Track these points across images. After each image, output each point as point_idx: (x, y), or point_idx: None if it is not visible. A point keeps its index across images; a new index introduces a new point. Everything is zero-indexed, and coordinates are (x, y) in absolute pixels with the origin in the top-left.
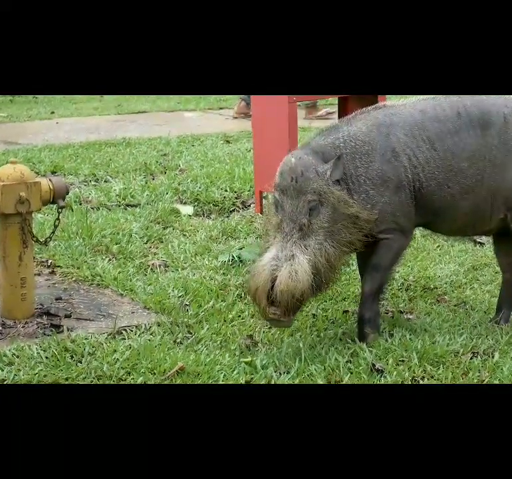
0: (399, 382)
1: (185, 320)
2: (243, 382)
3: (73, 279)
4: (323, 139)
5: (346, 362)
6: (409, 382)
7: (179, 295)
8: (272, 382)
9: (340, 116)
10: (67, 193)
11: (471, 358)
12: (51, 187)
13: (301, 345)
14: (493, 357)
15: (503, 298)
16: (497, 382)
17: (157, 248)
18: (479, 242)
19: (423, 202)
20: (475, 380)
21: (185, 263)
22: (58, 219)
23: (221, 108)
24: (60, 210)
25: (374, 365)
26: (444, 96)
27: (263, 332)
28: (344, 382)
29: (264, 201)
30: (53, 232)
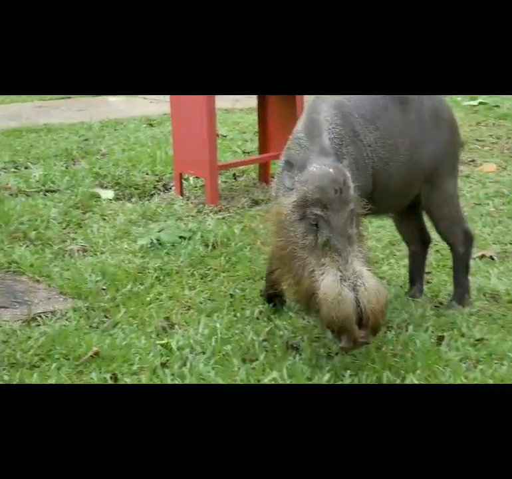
0: (314, 359)
1: (102, 304)
2: (158, 364)
3: None
4: (325, 139)
5: (262, 340)
6: (324, 357)
7: (97, 279)
8: (188, 364)
9: (259, 114)
10: None
11: (385, 332)
12: None
13: (218, 325)
14: (406, 331)
15: (413, 271)
16: (409, 354)
17: (75, 233)
18: None
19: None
20: (388, 353)
21: (103, 247)
22: None
23: None
24: None
25: (288, 342)
26: None
27: (180, 314)
28: (259, 361)
29: (184, 183)
30: None
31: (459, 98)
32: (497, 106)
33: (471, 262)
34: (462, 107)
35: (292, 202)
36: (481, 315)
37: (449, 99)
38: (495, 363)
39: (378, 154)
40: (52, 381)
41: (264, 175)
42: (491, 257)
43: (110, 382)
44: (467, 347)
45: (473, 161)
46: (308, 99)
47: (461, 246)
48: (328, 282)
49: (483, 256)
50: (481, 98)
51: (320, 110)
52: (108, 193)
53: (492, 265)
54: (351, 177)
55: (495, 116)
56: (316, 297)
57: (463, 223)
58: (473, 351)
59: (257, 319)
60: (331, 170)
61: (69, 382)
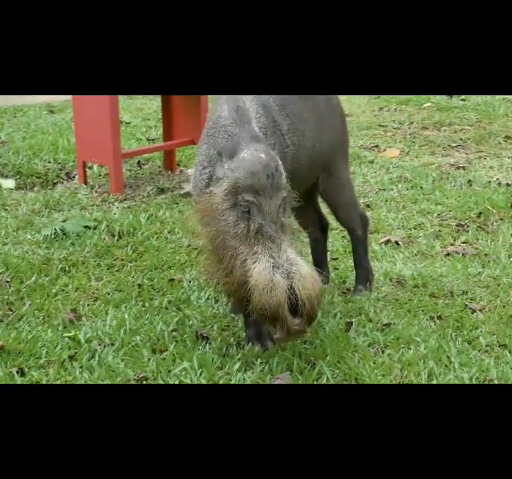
0: (224, 347)
1: (6, 297)
2: (66, 357)
3: None
4: (254, 126)
5: (172, 330)
6: (234, 346)
7: (0, 271)
8: (96, 356)
9: (163, 100)
10: None
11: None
12: None
13: (126, 316)
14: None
15: (317, 258)
16: (318, 341)
17: None
18: None
19: None
20: (298, 341)
21: (6, 238)
22: None
23: None
24: None
25: (198, 332)
26: None
27: (87, 305)
28: (169, 351)
29: (88, 171)
30: None
31: None
32: None
33: (377, 247)
34: None
35: (223, 190)
36: (387, 300)
37: None
38: (402, 347)
39: (292, 141)
40: None
41: (170, 162)
42: (397, 242)
43: (16, 376)
44: (375, 332)
45: (376, 146)
46: None
47: (360, 229)
48: (259, 269)
49: (388, 241)
50: None
51: (244, 98)
52: (8, 183)
53: (397, 250)
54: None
55: (397, 102)
56: (248, 286)
57: (358, 207)
58: (381, 336)
59: (166, 308)
60: (263, 155)
61: None
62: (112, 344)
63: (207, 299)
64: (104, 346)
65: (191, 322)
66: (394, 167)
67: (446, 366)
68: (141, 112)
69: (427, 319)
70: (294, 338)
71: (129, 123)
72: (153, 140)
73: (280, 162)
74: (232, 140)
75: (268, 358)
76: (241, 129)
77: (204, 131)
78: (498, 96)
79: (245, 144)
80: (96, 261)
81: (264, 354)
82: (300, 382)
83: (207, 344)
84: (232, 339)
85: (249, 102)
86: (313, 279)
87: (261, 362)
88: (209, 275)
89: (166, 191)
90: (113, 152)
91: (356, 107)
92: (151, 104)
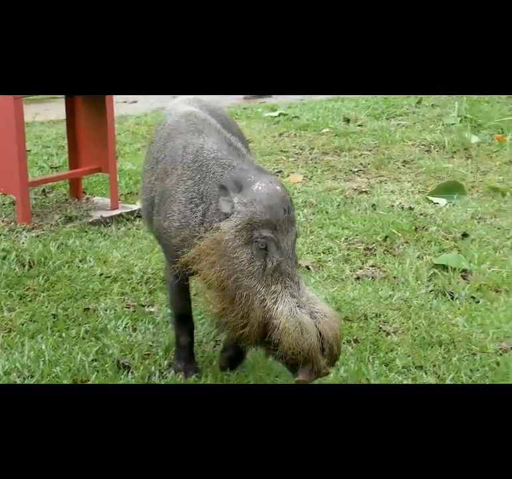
0: (147, 376)
1: None
2: None
3: None
4: (249, 157)
5: (92, 360)
6: (157, 376)
7: None
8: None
9: (69, 140)
10: None
11: (215, 346)
12: None
13: (44, 347)
14: None
15: None
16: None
17: None
18: None
19: None
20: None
21: None
22: None
23: None
24: None
25: (119, 361)
26: None
27: (2, 336)
28: (90, 382)
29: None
30: None
31: (260, 109)
32: (297, 117)
33: None
34: (264, 118)
35: (234, 226)
36: None
37: (250, 111)
38: None
39: None
40: None
41: (76, 190)
42: (307, 267)
43: None
44: None
45: (280, 172)
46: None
47: None
48: (285, 310)
49: (299, 266)
50: (281, 110)
51: (215, 129)
52: None
53: (308, 275)
54: None
55: (295, 127)
56: (271, 329)
57: None
58: None
59: (84, 338)
60: (279, 188)
61: None
62: (32, 376)
63: (125, 327)
64: (24, 379)
65: (110, 351)
66: (299, 193)
67: None
68: (40, 139)
69: (344, 343)
70: (315, 379)
71: (29, 151)
72: (56, 167)
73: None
74: (230, 172)
75: None
76: (240, 160)
77: (178, 167)
78: (393, 122)
79: (253, 176)
80: (7, 291)
81: (188, 382)
82: None
83: (129, 374)
84: (153, 367)
85: (222, 132)
86: (336, 318)
87: None
88: (217, 318)
89: (74, 220)
90: (20, 181)
91: (257, 133)
92: (50, 131)
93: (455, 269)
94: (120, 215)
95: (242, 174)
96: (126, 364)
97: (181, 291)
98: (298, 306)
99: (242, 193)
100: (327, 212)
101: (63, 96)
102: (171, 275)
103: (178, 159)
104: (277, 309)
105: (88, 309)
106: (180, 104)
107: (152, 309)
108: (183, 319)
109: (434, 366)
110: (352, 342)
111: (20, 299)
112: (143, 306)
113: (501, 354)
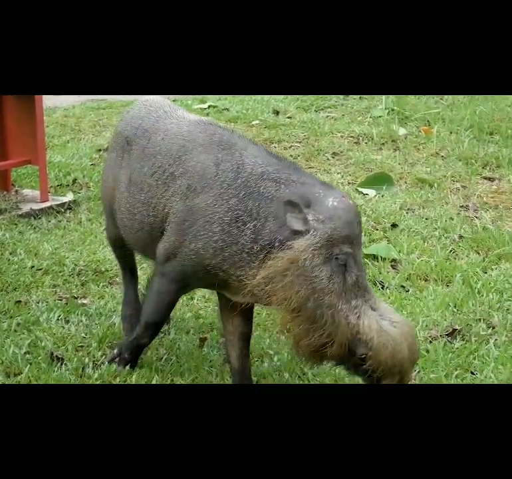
0: (81, 368)
1: None
2: None
3: None
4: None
5: (25, 353)
6: (91, 367)
7: None
8: None
9: None
10: None
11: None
12: None
13: None
14: (169, 335)
15: None
16: (174, 358)
17: None
18: None
19: None
20: (154, 358)
21: None
22: None
23: None
24: None
25: (52, 354)
26: None
27: None
28: (23, 374)
29: None
30: None
31: (189, 101)
32: (227, 110)
33: None
34: (193, 110)
35: (313, 244)
36: None
37: (180, 103)
38: (256, 360)
39: None
40: None
41: (4, 182)
42: None
43: None
44: None
45: None
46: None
47: None
48: (373, 325)
49: None
50: (211, 102)
51: (246, 140)
52: None
53: None
54: None
55: (225, 119)
56: (358, 344)
57: None
58: None
59: (15, 331)
60: (351, 202)
61: None
62: None
63: (58, 319)
64: None
65: (43, 343)
66: None
67: (299, 377)
68: None
69: (277, 332)
70: None
71: None
72: None
73: None
74: (289, 186)
75: (126, 376)
76: (299, 175)
77: (214, 186)
78: (321, 114)
79: (322, 191)
80: None
81: (122, 373)
82: None
83: (63, 366)
84: (87, 359)
85: (247, 137)
86: (412, 327)
87: (120, 381)
88: (297, 340)
89: (3, 212)
90: None
91: None
92: None
93: (385, 258)
94: (50, 207)
95: (308, 189)
96: (60, 356)
97: (172, 305)
98: (381, 318)
99: (314, 209)
100: None
101: None
102: (167, 290)
103: (210, 177)
104: (363, 323)
105: (20, 301)
106: (174, 109)
107: (85, 301)
108: (157, 327)
109: None
110: (285, 331)
111: None
112: (76, 298)
113: (430, 341)
